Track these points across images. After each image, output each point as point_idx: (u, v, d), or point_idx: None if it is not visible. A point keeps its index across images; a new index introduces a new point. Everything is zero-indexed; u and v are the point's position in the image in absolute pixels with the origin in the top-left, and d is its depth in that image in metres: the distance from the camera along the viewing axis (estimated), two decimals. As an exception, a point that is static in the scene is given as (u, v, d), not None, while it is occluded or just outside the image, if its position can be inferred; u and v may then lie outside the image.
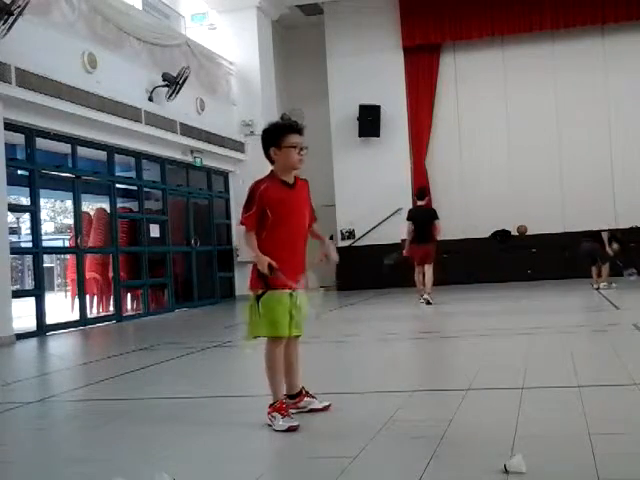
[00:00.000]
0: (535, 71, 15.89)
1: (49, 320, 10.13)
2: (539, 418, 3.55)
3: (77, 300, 11.13)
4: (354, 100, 16.09)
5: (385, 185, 15.93)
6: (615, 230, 12.75)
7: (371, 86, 16.15)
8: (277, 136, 3.79)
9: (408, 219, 11.38)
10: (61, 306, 14.88)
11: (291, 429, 3.54)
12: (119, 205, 12.22)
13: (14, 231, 25.63)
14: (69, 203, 17.00)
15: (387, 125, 16.23)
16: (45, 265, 13.15)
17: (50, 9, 9.82)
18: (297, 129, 3.82)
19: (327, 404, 3.97)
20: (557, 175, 15.80)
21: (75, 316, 11.14)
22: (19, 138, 9.79)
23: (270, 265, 3.61)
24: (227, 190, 15.21)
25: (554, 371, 4.91)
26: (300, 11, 16.96)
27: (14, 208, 11.46)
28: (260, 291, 3.73)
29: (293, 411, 3.79)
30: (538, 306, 10.26)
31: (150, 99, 12.07)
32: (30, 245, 10.48)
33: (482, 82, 16.14)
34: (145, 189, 12.72)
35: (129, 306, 13.49)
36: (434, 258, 11.15)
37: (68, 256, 15.26)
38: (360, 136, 16.31)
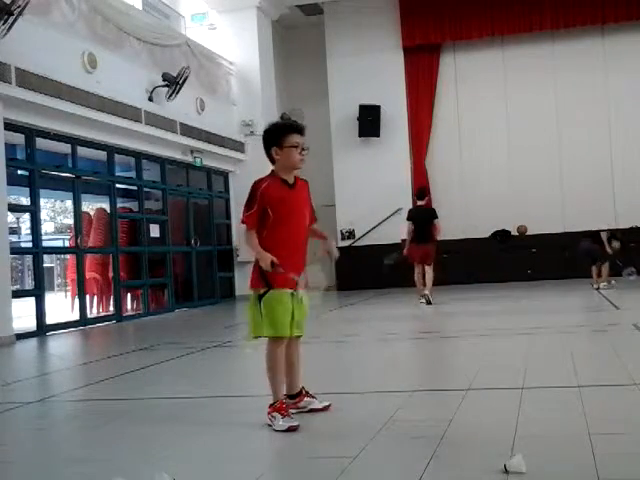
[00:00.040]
0: (535, 71, 15.89)
1: (49, 320, 10.13)
2: (539, 418, 3.55)
3: (77, 300, 11.13)
4: (354, 100, 16.09)
5: (385, 185, 15.93)
6: (615, 230, 12.76)
7: (371, 86, 16.15)
8: (279, 136, 3.80)
9: (408, 219, 11.38)
10: (61, 306, 14.89)
11: (291, 429, 3.54)
12: (119, 205, 12.22)
13: (14, 231, 25.64)
14: (69, 203, 17.01)
15: (387, 125, 16.23)
16: (45, 265, 13.15)
17: (50, 9, 9.82)
18: (298, 129, 3.84)
19: (327, 404, 3.97)
20: (557, 175, 15.80)
21: (75, 316, 11.13)
22: (19, 138, 9.79)
23: (273, 261, 3.62)
24: (227, 190, 15.21)
25: (554, 371, 4.91)
26: (300, 11, 16.96)
27: (14, 208, 11.46)
28: (262, 291, 3.73)
29: (293, 411, 3.79)
30: (538, 306, 10.26)
31: (150, 99, 12.07)
32: (30, 245, 10.48)
33: (482, 82, 16.15)
34: (145, 189, 12.72)
35: (129, 306, 13.49)
36: (434, 258, 11.15)
37: (68, 256, 15.26)
38: (360, 136, 16.31)
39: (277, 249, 3.69)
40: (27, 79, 9.00)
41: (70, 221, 24.13)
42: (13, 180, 9.73)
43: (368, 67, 16.24)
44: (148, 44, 12.17)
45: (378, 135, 16.21)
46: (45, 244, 11.16)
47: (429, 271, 11.01)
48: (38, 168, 9.91)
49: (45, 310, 9.86)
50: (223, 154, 14.33)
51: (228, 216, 15.12)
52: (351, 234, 16.38)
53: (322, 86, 16.78)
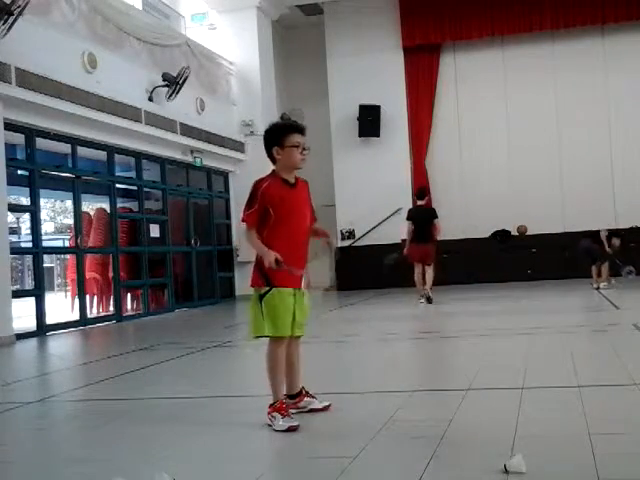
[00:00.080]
0: (535, 71, 15.89)
1: (49, 320, 10.13)
2: (539, 418, 3.55)
3: (77, 300, 11.13)
4: (354, 100, 16.09)
5: (385, 185, 15.93)
6: (615, 229, 12.76)
7: (371, 86, 16.15)
8: (280, 136, 3.81)
9: (408, 219, 11.39)
10: (61, 306, 14.88)
11: (291, 429, 3.54)
12: (119, 205, 12.22)
13: (14, 231, 25.64)
14: (69, 203, 17.01)
15: (387, 125, 16.23)
16: (45, 265, 13.15)
17: (50, 9, 9.82)
18: (299, 129, 3.86)
19: (327, 404, 3.97)
20: (557, 175, 15.80)
21: (75, 316, 11.13)
22: (19, 138, 9.79)
23: (277, 258, 3.63)
24: (227, 190, 15.21)
25: (554, 371, 4.91)
26: (300, 11, 16.96)
27: (14, 208, 11.46)
28: (262, 290, 3.73)
29: (293, 411, 3.79)
30: (538, 306, 10.25)
31: (150, 99, 12.07)
32: (30, 245, 10.48)
33: (482, 82, 16.14)
34: (145, 189, 12.73)
35: (129, 306, 13.49)
36: (434, 258, 11.16)
37: (68, 256, 15.26)
38: (360, 136, 16.31)
39: (278, 248, 3.69)
40: (27, 79, 9.00)
41: (70, 221, 24.14)
42: (13, 180, 9.73)
43: (368, 67, 16.24)
44: (148, 44, 12.17)
45: (378, 135, 16.21)
46: (45, 244, 11.16)
47: (429, 270, 11.02)
48: (38, 168, 9.91)
49: (45, 310, 9.86)
50: (223, 154, 14.33)
51: (228, 216, 15.12)
52: (351, 234, 16.37)
53: (322, 86, 16.78)
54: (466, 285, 14.45)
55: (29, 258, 15.82)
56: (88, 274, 12.03)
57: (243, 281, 14.22)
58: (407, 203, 14.62)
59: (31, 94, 9.07)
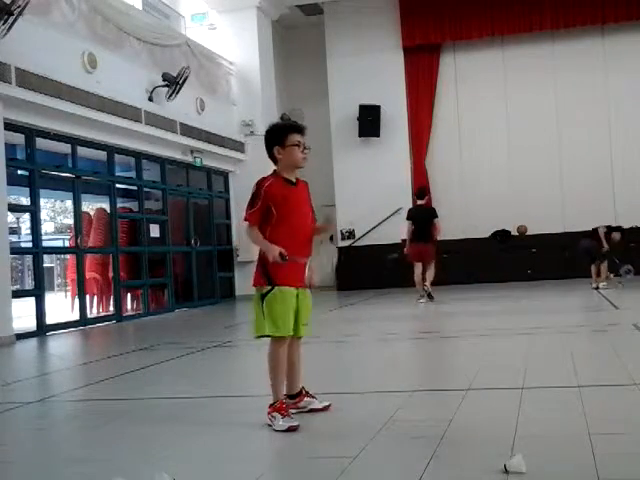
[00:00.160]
0: (535, 71, 15.89)
1: (49, 320, 10.13)
2: (539, 418, 3.55)
3: (77, 300, 11.13)
4: (354, 100, 16.09)
5: (385, 185, 15.93)
6: (615, 225, 12.72)
7: (371, 86, 16.15)
8: (281, 135, 3.84)
9: (408, 218, 11.40)
10: (61, 306, 14.89)
11: (291, 429, 3.54)
12: (119, 205, 12.22)
13: (14, 231, 25.64)
14: (69, 203, 17.01)
15: (387, 125, 16.23)
16: (45, 265, 13.15)
17: (50, 9, 9.82)
18: (300, 129, 3.89)
19: (327, 404, 3.97)
20: (557, 175, 15.80)
21: (75, 316, 11.13)
22: (19, 138, 9.79)
23: (281, 253, 3.64)
24: (227, 190, 15.21)
25: (554, 371, 4.91)
26: (300, 11, 16.96)
27: (14, 208, 11.46)
28: (264, 289, 3.74)
29: (293, 411, 3.79)
30: (538, 306, 10.25)
31: (150, 99, 12.07)
32: (30, 245, 10.48)
33: (482, 82, 16.14)
34: (145, 189, 12.73)
35: (129, 306, 13.49)
36: (434, 257, 11.16)
37: (68, 256, 15.26)
38: (360, 136, 16.31)
39: (281, 246, 3.70)
40: (27, 79, 9.00)
41: (70, 221, 24.14)
42: (13, 180, 9.73)
43: (368, 67, 16.24)
44: (148, 44, 12.17)
45: (378, 135, 16.21)
46: (45, 244, 11.16)
47: (430, 268, 11.04)
48: (38, 168, 9.91)
49: (45, 310, 9.86)
50: (223, 154, 14.33)
51: (228, 216, 15.12)
52: (351, 234, 16.37)
53: (322, 86, 16.78)
54: (466, 285, 14.45)
55: (29, 258, 15.82)
56: (88, 274, 12.03)
57: (243, 281, 14.22)
58: (407, 203, 14.62)
59: (31, 94, 9.07)
